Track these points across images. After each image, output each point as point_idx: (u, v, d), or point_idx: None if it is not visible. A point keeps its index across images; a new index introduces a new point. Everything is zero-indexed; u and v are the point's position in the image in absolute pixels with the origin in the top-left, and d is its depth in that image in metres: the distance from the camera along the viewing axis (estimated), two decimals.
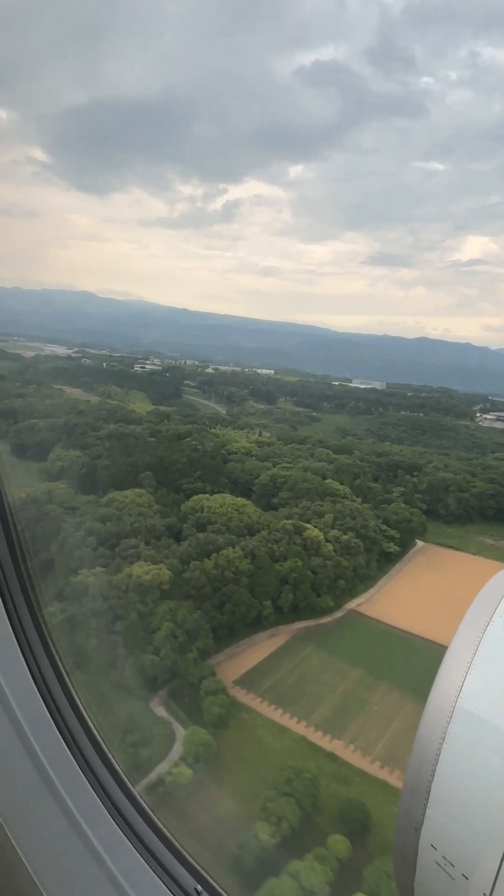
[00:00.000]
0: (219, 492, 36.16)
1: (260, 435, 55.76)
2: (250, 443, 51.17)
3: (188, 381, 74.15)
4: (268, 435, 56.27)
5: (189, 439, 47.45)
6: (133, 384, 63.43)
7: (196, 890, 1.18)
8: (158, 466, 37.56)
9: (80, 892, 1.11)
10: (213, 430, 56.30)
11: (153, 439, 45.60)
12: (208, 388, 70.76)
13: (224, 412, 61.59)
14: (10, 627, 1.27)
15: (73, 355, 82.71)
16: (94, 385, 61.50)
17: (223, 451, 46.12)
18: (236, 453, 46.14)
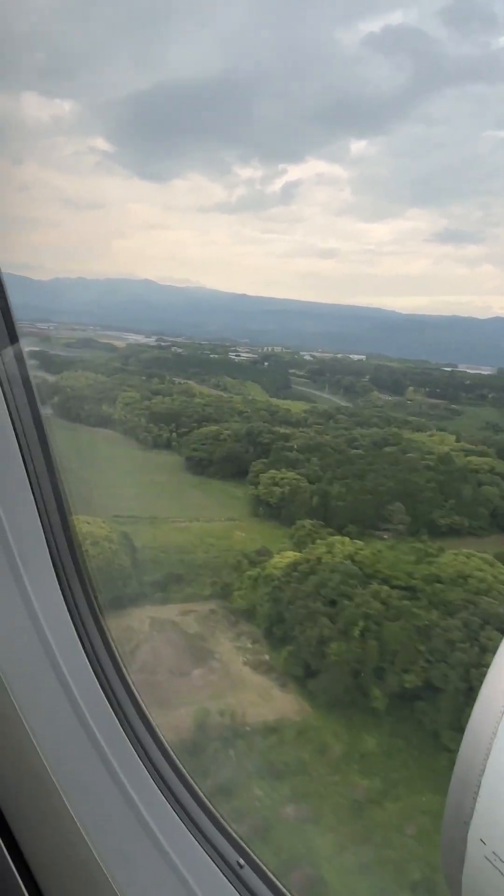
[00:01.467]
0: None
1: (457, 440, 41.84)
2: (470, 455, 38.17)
3: (294, 371, 66.62)
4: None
5: (391, 448, 34.23)
6: (240, 375, 57.86)
7: (238, 863, 1.21)
8: (402, 494, 24.72)
9: (131, 859, 1.17)
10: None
11: (358, 451, 33.03)
12: (318, 377, 63.47)
13: (349, 405, 54.67)
14: (66, 610, 1.34)
15: (161, 344, 79.79)
16: (203, 377, 57.16)
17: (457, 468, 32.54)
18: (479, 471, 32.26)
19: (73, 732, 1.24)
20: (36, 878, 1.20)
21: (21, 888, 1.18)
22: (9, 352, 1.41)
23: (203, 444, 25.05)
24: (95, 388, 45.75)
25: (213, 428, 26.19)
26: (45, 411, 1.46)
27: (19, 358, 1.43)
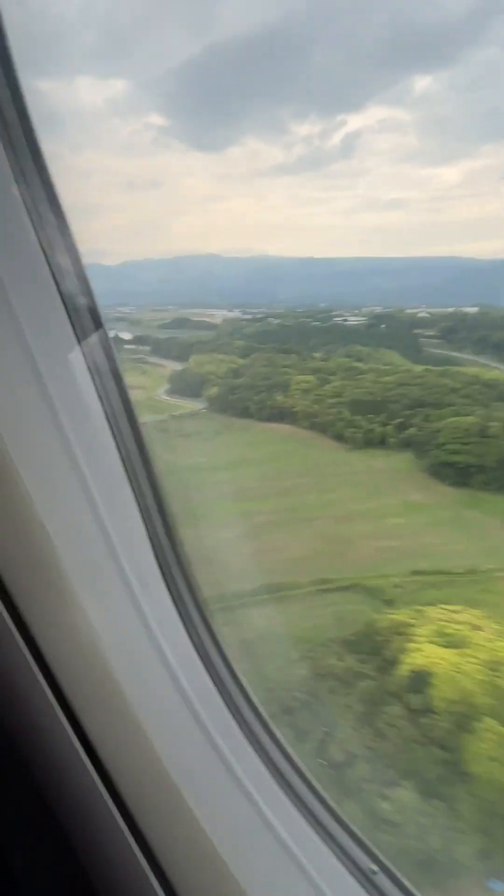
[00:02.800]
0: None
1: None
2: None
3: (421, 330, 58.85)
4: None
5: None
6: (366, 341, 54.22)
7: (371, 870, 1.18)
8: None
9: (262, 866, 1.18)
10: None
11: None
12: (451, 335, 55.49)
13: None
14: (174, 606, 1.33)
15: (257, 316, 77.73)
16: (332, 348, 53.08)
17: None
18: None
19: (193, 737, 1.24)
20: (168, 876, 1.21)
21: (154, 884, 1.19)
22: (96, 340, 1.39)
23: (464, 444, 19.01)
24: (245, 374, 42.06)
25: (470, 419, 20.16)
26: (133, 403, 1.45)
27: (106, 347, 1.43)
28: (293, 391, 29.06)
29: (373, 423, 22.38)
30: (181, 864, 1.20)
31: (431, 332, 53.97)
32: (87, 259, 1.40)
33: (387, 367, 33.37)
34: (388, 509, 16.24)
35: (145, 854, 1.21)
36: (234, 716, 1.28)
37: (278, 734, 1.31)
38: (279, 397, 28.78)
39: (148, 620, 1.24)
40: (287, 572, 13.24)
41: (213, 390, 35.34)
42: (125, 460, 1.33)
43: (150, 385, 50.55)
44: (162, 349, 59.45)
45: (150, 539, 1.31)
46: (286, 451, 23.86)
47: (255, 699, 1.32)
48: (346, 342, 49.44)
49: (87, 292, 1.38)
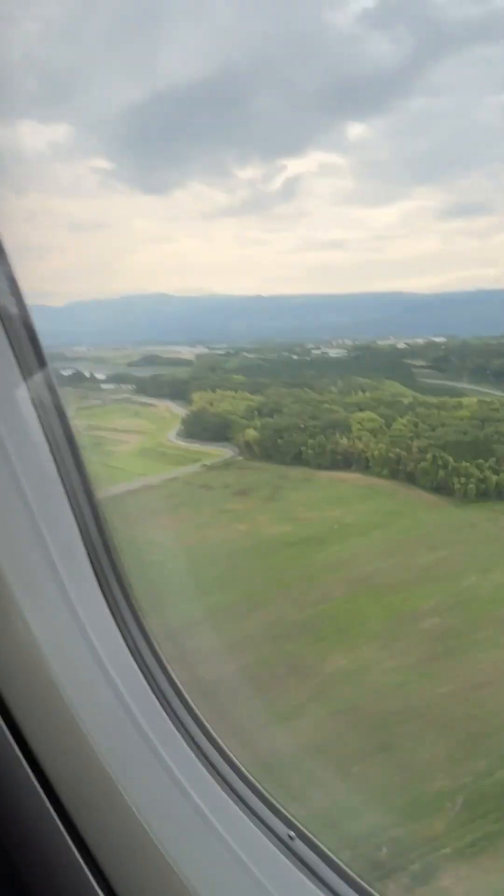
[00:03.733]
0: None
1: None
2: None
3: (411, 361, 56.11)
4: None
5: None
6: (357, 372, 51.86)
7: (289, 836, 1.27)
8: None
9: (184, 838, 1.26)
10: None
11: None
12: (444, 364, 51.93)
13: None
14: (106, 606, 1.44)
15: (218, 352, 75.81)
16: (325, 380, 49.58)
17: None
18: None
19: (123, 727, 1.33)
20: (100, 865, 1.29)
21: (87, 874, 1.27)
22: (40, 377, 1.49)
23: None
24: (274, 412, 37.52)
25: None
26: (75, 429, 1.54)
27: (50, 384, 1.52)
28: (357, 432, 24.11)
29: (484, 470, 17.83)
30: (110, 842, 1.29)
31: (422, 363, 52.52)
32: (31, 300, 1.51)
33: (453, 401, 29.65)
34: None
35: (75, 841, 1.29)
36: (158, 701, 1.39)
37: (202, 717, 1.42)
38: (341, 440, 23.75)
39: (79, 616, 1.35)
40: None
41: (250, 433, 33.04)
42: (65, 483, 1.45)
43: (151, 428, 46.46)
44: (147, 388, 56.29)
45: (85, 544, 1.43)
46: (383, 511, 18.81)
47: (182, 688, 1.43)
48: (340, 374, 47.70)
49: (32, 332, 1.47)
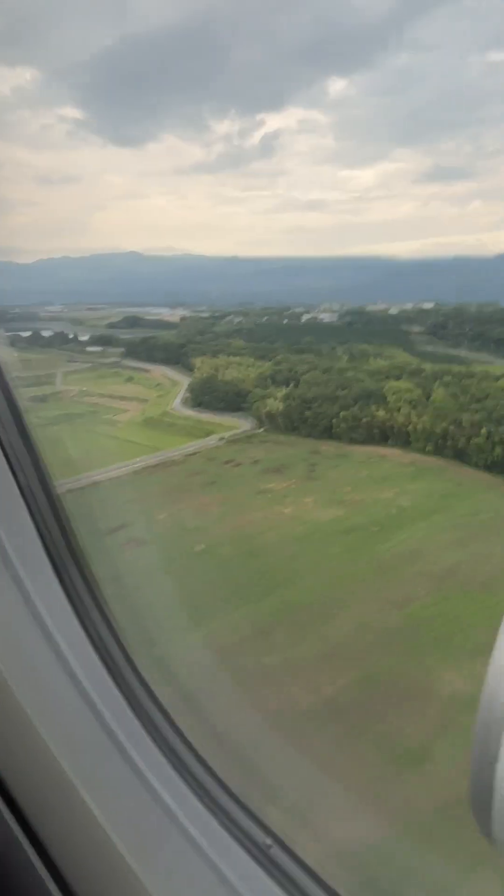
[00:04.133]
0: None
1: None
2: None
3: (407, 327, 52.01)
4: None
5: None
6: (353, 338, 48.35)
7: (266, 844, 1.20)
8: None
9: (155, 847, 1.18)
10: None
11: None
12: (441, 331, 48.55)
13: None
14: (66, 597, 1.33)
15: (202, 315, 74.02)
16: (323, 346, 45.14)
17: None
18: None
19: (85, 724, 1.24)
20: (62, 873, 1.21)
21: (45, 885, 1.20)
22: None
23: None
24: (289, 380, 33.64)
25: None
26: (20, 395, 1.40)
27: None
28: (394, 403, 22.16)
29: None
30: (72, 849, 1.21)
31: (419, 329, 49.39)
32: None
33: (498, 370, 26.60)
34: None
35: (36, 848, 1.21)
36: (126, 699, 1.29)
37: (173, 716, 1.33)
38: (378, 412, 22.00)
39: (36, 608, 1.25)
40: None
41: (272, 404, 31.64)
42: (15, 470, 1.34)
43: (150, 395, 44.29)
44: (138, 351, 52.54)
45: (40, 532, 1.32)
46: (438, 493, 17.07)
47: (153, 686, 1.34)
48: (339, 340, 46.35)
49: None
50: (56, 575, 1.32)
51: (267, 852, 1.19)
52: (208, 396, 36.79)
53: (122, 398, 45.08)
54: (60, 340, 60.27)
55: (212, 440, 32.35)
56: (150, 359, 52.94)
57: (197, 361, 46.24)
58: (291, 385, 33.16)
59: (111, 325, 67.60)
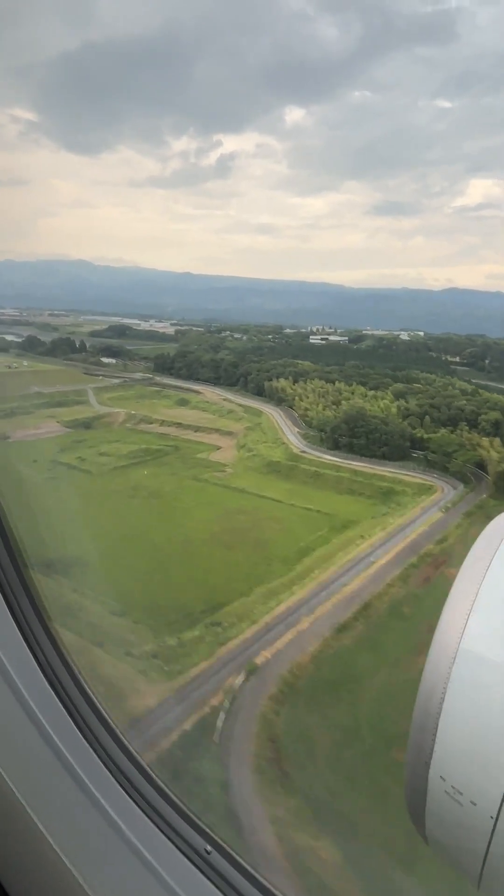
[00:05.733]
0: None
1: None
2: None
3: (437, 355, 51.21)
4: None
5: None
6: (387, 363, 46.12)
7: (206, 850, 1.24)
8: None
9: (98, 856, 1.21)
10: None
11: None
12: (479, 362, 48.37)
13: None
14: (13, 621, 1.37)
15: (198, 328, 67.87)
16: (347, 372, 42.46)
17: None
18: None
19: (30, 739, 1.27)
20: (2, 882, 1.24)
21: None
22: None
23: None
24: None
25: None
26: None
27: None
28: None
29: None
30: (14, 858, 1.23)
31: (455, 359, 50.18)
32: None
33: None
34: None
35: None
36: (70, 716, 1.33)
37: (118, 731, 1.37)
38: None
39: None
40: None
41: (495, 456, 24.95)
42: None
43: (234, 427, 37.59)
44: (170, 367, 49.10)
45: None
46: None
47: (94, 697, 1.38)
48: (392, 365, 44.54)
49: None
50: (3, 599, 1.37)
51: (206, 857, 1.23)
52: (359, 439, 29.01)
53: (198, 429, 37.62)
54: (65, 349, 56.33)
55: (421, 510, 24.52)
56: (191, 376, 48.26)
57: (283, 386, 40.36)
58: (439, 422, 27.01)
59: (95, 334, 64.71)
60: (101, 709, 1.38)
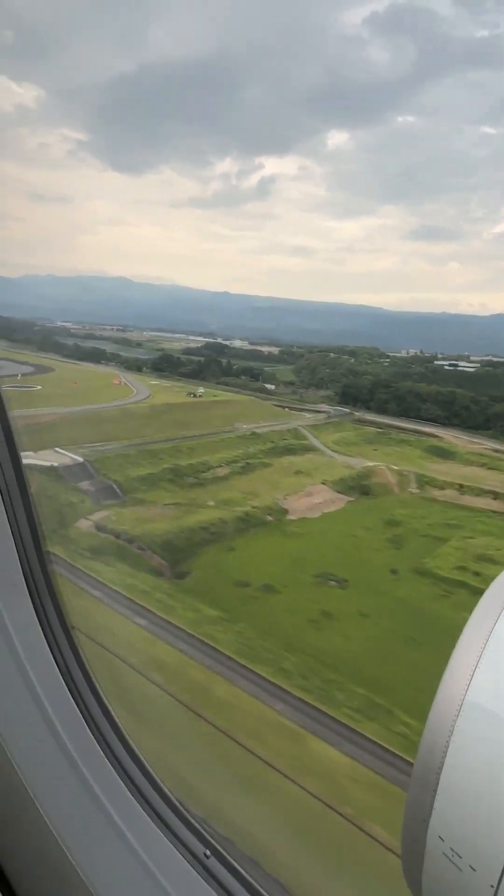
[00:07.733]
0: None
1: None
2: None
3: None
4: None
5: None
6: None
7: (205, 854, 1.27)
8: None
9: (101, 856, 1.25)
10: None
11: None
12: None
13: None
14: (38, 625, 1.43)
15: (262, 348, 63.38)
16: None
17: None
18: None
19: (46, 742, 1.33)
20: (8, 878, 1.29)
21: None
22: None
23: None
24: None
25: None
26: (14, 425, 1.44)
27: None
28: None
29: None
30: (21, 856, 1.29)
31: None
32: None
33: None
34: None
35: None
36: (84, 719, 1.39)
37: (127, 736, 1.42)
38: None
39: (8, 629, 1.35)
40: None
41: None
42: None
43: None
44: (384, 405, 40.03)
45: (19, 555, 1.43)
46: None
47: (107, 702, 1.44)
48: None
49: None
50: (30, 599, 1.43)
51: (204, 862, 1.26)
52: None
53: (480, 492, 27.05)
54: (216, 371, 49.44)
55: None
56: (403, 413, 39.52)
57: None
58: None
59: (188, 352, 59.53)
60: (115, 716, 1.43)
